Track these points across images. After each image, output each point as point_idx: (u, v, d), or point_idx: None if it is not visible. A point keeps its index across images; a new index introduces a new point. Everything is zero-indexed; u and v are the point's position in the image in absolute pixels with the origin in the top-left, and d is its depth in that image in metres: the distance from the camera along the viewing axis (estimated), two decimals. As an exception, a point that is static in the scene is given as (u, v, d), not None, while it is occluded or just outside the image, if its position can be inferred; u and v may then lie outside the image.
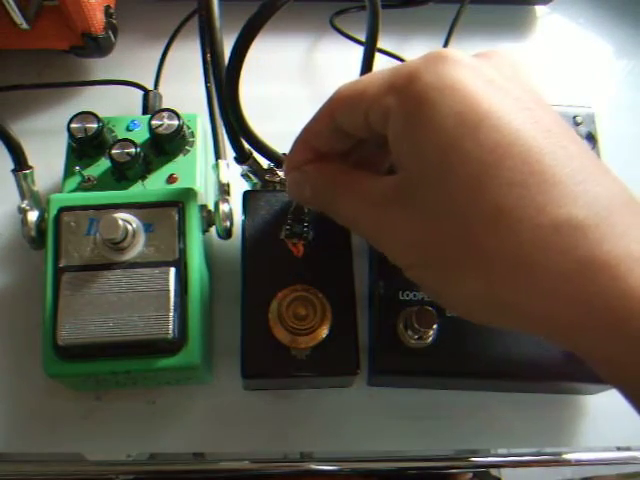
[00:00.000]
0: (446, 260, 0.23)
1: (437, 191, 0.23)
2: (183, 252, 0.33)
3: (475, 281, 0.23)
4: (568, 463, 0.36)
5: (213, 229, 0.36)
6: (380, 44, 0.36)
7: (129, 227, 0.32)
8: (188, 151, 0.39)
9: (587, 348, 0.22)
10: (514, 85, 0.23)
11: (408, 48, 0.49)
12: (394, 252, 0.25)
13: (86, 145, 0.38)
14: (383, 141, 0.25)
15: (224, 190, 0.36)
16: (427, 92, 0.22)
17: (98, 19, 0.41)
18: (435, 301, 0.26)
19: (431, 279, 0.25)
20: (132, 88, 0.44)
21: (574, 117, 0.40)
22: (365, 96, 0.25)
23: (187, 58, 0.41)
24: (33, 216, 0.34)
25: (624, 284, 0.20)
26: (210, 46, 0.32)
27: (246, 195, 0.37)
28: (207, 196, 0.40)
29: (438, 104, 0.22)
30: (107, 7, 0.42)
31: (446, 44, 0.47)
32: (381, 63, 0.45)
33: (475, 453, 0.36)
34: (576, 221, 0.21)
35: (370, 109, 0.24)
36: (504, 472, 0.39)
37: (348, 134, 0.27)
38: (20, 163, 0.35)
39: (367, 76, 0.26)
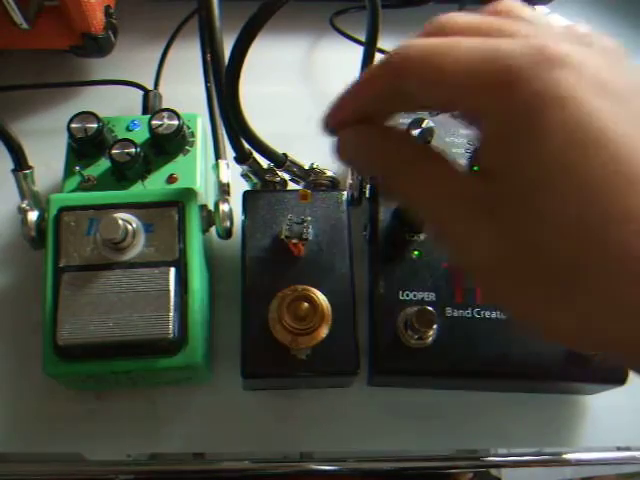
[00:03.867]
0: (553, 279, 0.20)
1: (541, 210, 0.20)
2: (183, 252, 0.33)
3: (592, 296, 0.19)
4: (568, 463, 0.36)
5: (213, 229, 0.36)
6: (380, 44, 0.36)
7: (129, 227, 0.32)
8: (188, 151, 0.39)
9: None
10: (625, 84, 0.20)
11: (408, 48, 0.49)
12: (476, 265, 0.22)
13: (86, 145, 0.38)
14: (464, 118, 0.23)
15: (224, 190, 0.36)
16: (535, 104, 0.19)
17: (98, 19, 0.41)
18: (525, 327, 0.21)
19: (527, 301, 0.21)
20: (132, 88, 0.44)
21: (574, 117, 0.40)
22: (446, 78, 0.21)
23: (187, 58, 0.41)
24: (33, 216, 0.34)
25: None
26: (210, 46, 0.32)
27: (246, 195, 0.37)
28: (207, 196, 0.40)
29: (547, 120, 0.19)
30: (107, 7, 0.42)
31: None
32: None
33: (475, 453, 0.36)
34: None
35: (454, 98, 0.21)
36: (504, 472, 0.39)
37: (414, 101, 0.23)
38: (20, 163, 0.35)
39: (443, 45, 0.22)
